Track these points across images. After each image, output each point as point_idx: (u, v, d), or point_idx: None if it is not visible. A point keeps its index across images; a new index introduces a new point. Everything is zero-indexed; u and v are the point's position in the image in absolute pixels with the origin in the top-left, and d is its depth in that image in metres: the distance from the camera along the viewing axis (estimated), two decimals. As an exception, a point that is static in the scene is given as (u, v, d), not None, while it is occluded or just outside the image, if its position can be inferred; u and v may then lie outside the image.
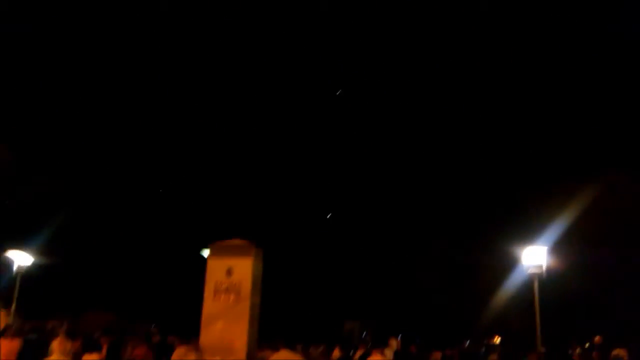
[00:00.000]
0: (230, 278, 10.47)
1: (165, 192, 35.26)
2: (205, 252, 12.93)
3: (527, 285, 19.84)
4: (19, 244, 22.42)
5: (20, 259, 21.86)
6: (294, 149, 36.59)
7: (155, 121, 36.53)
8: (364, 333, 23.64)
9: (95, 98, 35.80)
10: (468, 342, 17.56)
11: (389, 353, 13.08)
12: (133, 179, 35.19)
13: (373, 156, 35.98)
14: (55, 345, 9.31)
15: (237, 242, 10.81)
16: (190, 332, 10.72)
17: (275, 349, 10.84)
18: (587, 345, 17.05)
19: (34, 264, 22.56)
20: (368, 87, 35.01)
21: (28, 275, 22.18)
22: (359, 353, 13.12)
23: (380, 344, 12.93)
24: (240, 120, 36.04)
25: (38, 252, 24.08)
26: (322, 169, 36.08)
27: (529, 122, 32.39)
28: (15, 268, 21.45)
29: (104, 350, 12.19)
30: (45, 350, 12.61)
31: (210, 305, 10.50)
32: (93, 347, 11.91)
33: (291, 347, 10.78)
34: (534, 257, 19.11)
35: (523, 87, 31.91)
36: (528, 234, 20.69)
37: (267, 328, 11.74)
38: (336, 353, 13.74)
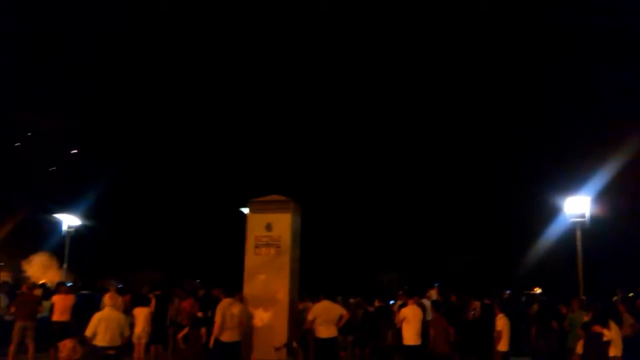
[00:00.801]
0: (270, 233, 10.67)
1: (205, 152, 35.87)
2: (245, 209, 13.16)
3: (569, 234, 19.64)
4: (67, 207, 23.42)
5: (69, 220, 22.88)
6: (329, 105, 36.53)
7: (193, 84, 37.01)
8: (402, 284, 23.90)
9: (135, 69, 36.51)
10: (508, 292, 17.48)
11: (427, 303, 13.23)
12: (174, 140, 35.93)
13: (409, 109, 35.67)
14: (107, 299, 9.75)
15: (275, 197, 10.96)
16: (233, 285, 11.04)
17: (316, 300, 11.14)
18: (631, 294, 16.79)
19: (83, 226, 23.62)
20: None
21: (78, 236, 23.23)
22: (397, 303, 13.33)
23: (418, 294, 13.09)
24: (278, 81, 36.23)
25: (86, 214, 25.12)
26: (358, 123, 35.98)
27: (571, 74, 31.48)
28: (64, 229, 22.51)
29: (153, 304, 12.75)
30: (97, 305, 13.30)
31: (251, 259, 10.76)
32: (142, 302, 12.50)
33: (331, 298, 11.05)
34: (577, 206, 18.81)
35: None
36: (570, 183, 20.29)
37: (307, 281, 12.01)
38: (375, 304, 13.98)
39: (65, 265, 21.73)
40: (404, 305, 11.49)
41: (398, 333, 11.28)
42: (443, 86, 36.46)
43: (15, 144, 34.89)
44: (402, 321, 10.71)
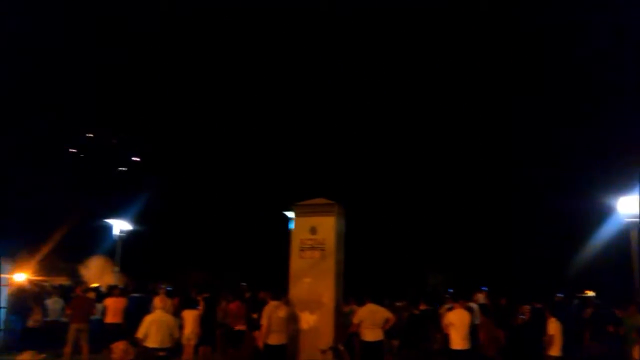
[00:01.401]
0: (314, 236, 10.72)
1: (251, 155, 36.39)
2: (290, 212, 13.26)
3: (623, 235, 18.87)
4: (118, 212, 24.20)
5: (120, 225, 23.64)
6: (373, 108, 36.46)
7: (240, 87, 37.68)
8: (448, 287, 23.53)
9: (176, 72, 37.46)
10: (560, 295, 16.96)
11: (475, 307, 12.99)
12: (219, 145, 36.60)
13: (460, 110, 35.26)
14: (157, 302, 10.04)
15: (320, 201, 11.00)
16: (278, 288, 11.14)
17: (361, 303, 11.11)
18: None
19: (134, 230, 24.41)
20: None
21: (129, 240, 24.01)
22: (444, 307, 13.13)
23: (465, 298, 12.85)
24: (323, 84, 36.50)
25: (136, 219, 25.91)
26: (404, 125, 35.76)
27: (621, 68, 30.42)
28: (116, 234, 23.27)
29: (201, 306, 13.00)
30: (147, 307, 13.66)
31: (296, 262, 10.83)
32: (191, 304, 12.76)
33: (377, 301, 10.98)
34: (631, 206, 18.05)
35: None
36: (623, 182, 19.52)
37: (352, 284, 11.99)
38: (421, 307, 13.81)
39: (117, 269, 22.42)
40: (451, 308, 11.32)
41: (445, 337, 11.13)
42: (482, 85, 35.85)
43: (70, 150, 36.36)
44: (449, 325, 10.56)
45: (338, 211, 10.88)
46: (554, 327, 10.13)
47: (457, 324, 10.38)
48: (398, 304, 14.48)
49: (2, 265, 14.14)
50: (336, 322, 10.48)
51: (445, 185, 33.82)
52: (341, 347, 10.43)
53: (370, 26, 38.02)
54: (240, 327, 13.40)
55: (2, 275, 14.09)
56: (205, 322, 12.76)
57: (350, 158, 34.55)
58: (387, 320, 10.40)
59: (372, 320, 10.25)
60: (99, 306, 13.81)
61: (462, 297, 11.84)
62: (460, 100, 36.40)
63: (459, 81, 36.30)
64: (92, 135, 36.71)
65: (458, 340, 10.35)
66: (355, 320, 10.39)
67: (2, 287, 13.94)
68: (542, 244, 29.10)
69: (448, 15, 35.77)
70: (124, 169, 35.94)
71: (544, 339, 10.21)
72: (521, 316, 13.23)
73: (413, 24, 35.97)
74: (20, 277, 18.74)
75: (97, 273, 23.27)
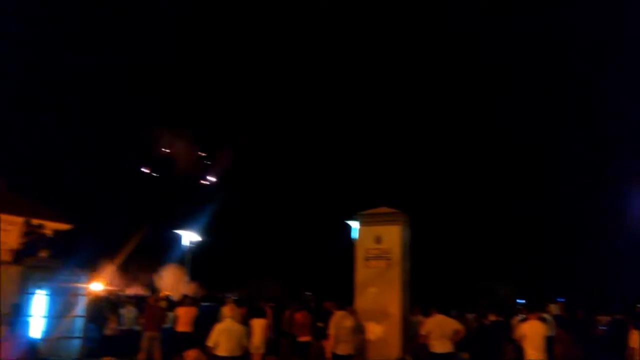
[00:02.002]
0: (379, 245, 10.63)
1: (313, 167, 36.76)
2: (354, 222, 13.22)
3: None
4: (187, 223, 24.98)
5: (189, 236, 24.38)
6: (435, 117, 36.00)
7: (299, 97, 38.28)
8: (518, 298, 22.66)
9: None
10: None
11: (549, 318, 12.42)
12: (283, 155, 37.20)
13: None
14: (226, 311, 10.23)
15: (384, 210, 10.92)
16: (343, 297, 11.09)
17: (428, 313, 10.86)
18: None
19: (204, 241, 25.12)
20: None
21: (199, 251, 24.73)
22: (516, 318, 12.63)
23: (538, 309, 12.31)
24: (386, 92, 36.52)
25: (206, 230, 26.65)
26: (468, 132, 35.08)
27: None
28: (185, 245, 24.02)
29: (268, 315, 13.14)
30: (216, 316, 13.96)
31: (362, 272, 10.78)
32: (258, 313, 12.93)
33: (444, 312, 10.71)
34: None
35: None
36: None
37: (418, 293, 11.77)
38: (491, 318, 13.36)
39: (187, 279, 23.08)
40: (524, 319, 10.87)
41: (518, 350, 10.69)
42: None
43: (142, 169, 38.02)
44: (522, 337, 10.13)
45: (403, 220, 10.75)
46: (636, 339, 9.53)
47: (531, 335, 9.94)
48: (468, 316, 14.06)
49: (80, 276, 14.83)
50: (403, 333, 10.31)
51: (517, 193, 32.76)
52: (409, 359, 10.24)
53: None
54: (306, 337, 13.43)
55: (80, 285, 14.76)
56: (271, 332, 12.88)
57: (416, 165, 34.13)
58: (456, 332, 10.11)
59: (440, 332, 9.99)
60: (170, 315, 14.23)
61: (535, 308, 11.37)
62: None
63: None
64: (166, 150, 38.16)
65: (532, 352, 9.90)
66: (423, 331, 10.16)
67: (80, 297, 14.59)
68: (622, 252, 27.53)
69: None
70: (205, 182, 37.14)
71: (625, 353, 9.63)
72: (602, 327, 12.53)
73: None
74: (97, 286, 19.68)
75: (171, 282, 24.03)
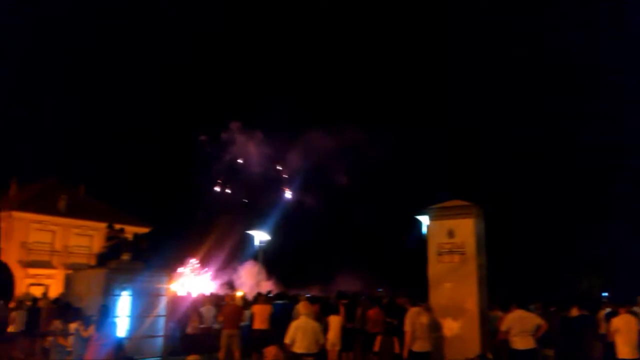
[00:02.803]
0: (452, 239, 10.37)
1: (382, 162, 36.53)
2: (423, 216, 12.98)
3: None
4: (258, 224, 25.53)
5: (260, 236, 24.91)
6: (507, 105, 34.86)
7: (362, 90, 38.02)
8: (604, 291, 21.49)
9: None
10: None
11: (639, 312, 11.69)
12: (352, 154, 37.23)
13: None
14: (302, 308, 10.29)
15: (456, 203, 10.64)
16: (416, 293, 10.92)
17: (507, 308, 10.49)
18: None
19: (274, 241, 25.60)
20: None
21: (270, 250, 25.22)
22: (602, 312, 12.00)
23: (627, 302, 11.61)
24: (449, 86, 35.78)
25: (277, 230, 27.13)
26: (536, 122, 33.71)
27: None
28: (256, 244, 24.57)
29: (342, 312, 13.15)
30: (290, 313, 14.13)
31: (435, 267, 10.55)
32: (332, 310, 12.97)
33: (523, 307, 10.30)
34: None
35: None
36: None
37: (494, 288, 11.39)
38: (574, 312, 12.74)
39: (264, 277, 23.60)
40: (612, 314, 10.28)
41: (607, 346, 10.13)
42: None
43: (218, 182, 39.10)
44: (615, 332, 9.57)
45: (476, 213, 10.42)
46: None
47: (624, 330, 9.39)
48: (551, 309, 13.47)
49: (160, 277, 15.43)
50: (482, 329, 10.01)
51: (591, 178, 31.12)
52: (489, 356, 9.93)
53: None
54: (379, 333, 13.35)
55: (161, 286, 15.36)
56: (345, 328, 12.89)
57: (491, 156, 33.18)
58: (538, 327, 9.70)
59: (521, 327, 9.60)
60: (246, 313, 14.54)
61: (625, 302, 10.73)
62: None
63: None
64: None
65: (626, 349, 9.36)
66: (503, 327, 9.81)
67: (161, 297, 15.19)
68: None
69: None
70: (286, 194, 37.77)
71: None
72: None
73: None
74: (176, 287, 20.47)
75: (250, 280, 24.59)
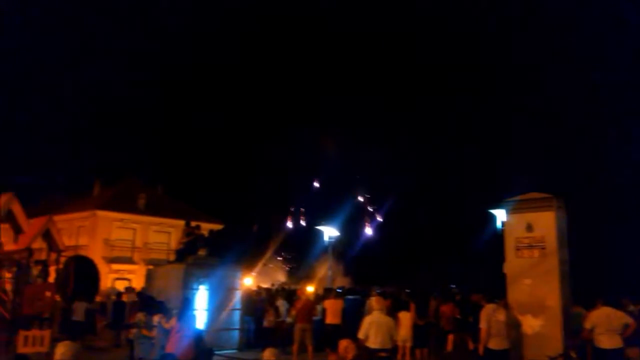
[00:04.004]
0: (531, 234, 9.96)
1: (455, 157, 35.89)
2: (499, 210, 12.57)
3: None
4: (327, 220, 25.69)
5: (329, 232, 25.05)
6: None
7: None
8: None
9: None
10: None
11: None
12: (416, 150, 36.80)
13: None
14: (375, 303, 10.25)
15: (534, 195, 10.19)
16: (491, 290, 10.57)
17: (593, 305, 9.95)
18: None
19: (342, 237, 25.69)
20: None
21: (339, 246, 25.31)
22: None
23: None
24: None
25: (342, 227, 27.22)
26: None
27: None
28: (326, 239, 24.71)
29: (412, 308, 12.98)
30: (362, 308, 14.13)
31: (513, 263, 10.18)
32: (402, 306, 12.85)
33: (611, 304, 9.74)
34: None
35: None
36: None
37: (580, 284, 10.85)
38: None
39: (330, 273, 23.74)
40: None
41: None
42: None
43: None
44: None
45: (557, 205, 9.94)
46: None
47: None
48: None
49: (235, 271, 15.87)
50: (565, 327, 9.56)
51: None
52: (573, 355, 9.46)
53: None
54: (451, 331, 13.11)
55: (236, 280, 15.80)
56: (417, 324, 12.73)
57: (567, 144, 31.57)
58: (627, 326, 9.15)
59: (607, 326, 9.09)
60: (318, 307, 14.68)
61: None
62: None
63: None
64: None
65: None
66: (588, 325, 9.32)
67: (236, 291, 15.62)
68: None
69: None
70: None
71: None
72: None
73: None
74: (249, 281, 20.95)
75: (326, 276, 24.84)
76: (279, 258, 26.97)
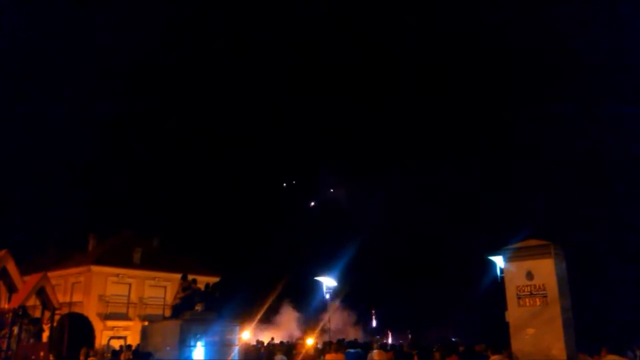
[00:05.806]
0: (532, 281, 9.88)
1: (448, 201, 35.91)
2: (495, 257, 12.49)
3: None
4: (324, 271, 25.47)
5: (328, 282, 24.82)
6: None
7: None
8: None
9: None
10: None
11: None
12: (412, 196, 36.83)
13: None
14: (375, 356, 10.05)
15: (533, 242, 10.16)
16: (494, 339, 10.39)
17: (596, 354, 9.75)
18: None
19: (340, 287, 25.41)
20: None
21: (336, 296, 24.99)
22: None
23: None
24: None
25: (340, 277, 26.94)
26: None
27: None
28: (325, 290, 24.43)
29: (415, 360, 12.69)
30: (363, 361, 13.77)
31: (515, 311, 10.04)
32: (405, 358, 12.57)
33: (618, 352, 9.55)
34: None
35: None
36: None
37: (584, 332, 10.67)
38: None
39: (329, 326, 23.31)
40: None
41: None
42: None
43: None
44: None
45: (556, 252, 9.90)
46: None
47: None
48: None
49: (233, 326, 15.55)
50: (571, 377, 9.35)
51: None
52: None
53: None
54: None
55: (233, 335, 15.45)
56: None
57: (564, 192, 31.65)
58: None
59: (614, 375, 8.91)
60: (319, 362, 14.32)
61: None
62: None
63: None
64: None
65: None
66: (595, 374, 9.15)
67: (234, 347, 15.26)
68: None
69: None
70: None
71: None
72: None
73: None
74: (246, 335, 20.52)
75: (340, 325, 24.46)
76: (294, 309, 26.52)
